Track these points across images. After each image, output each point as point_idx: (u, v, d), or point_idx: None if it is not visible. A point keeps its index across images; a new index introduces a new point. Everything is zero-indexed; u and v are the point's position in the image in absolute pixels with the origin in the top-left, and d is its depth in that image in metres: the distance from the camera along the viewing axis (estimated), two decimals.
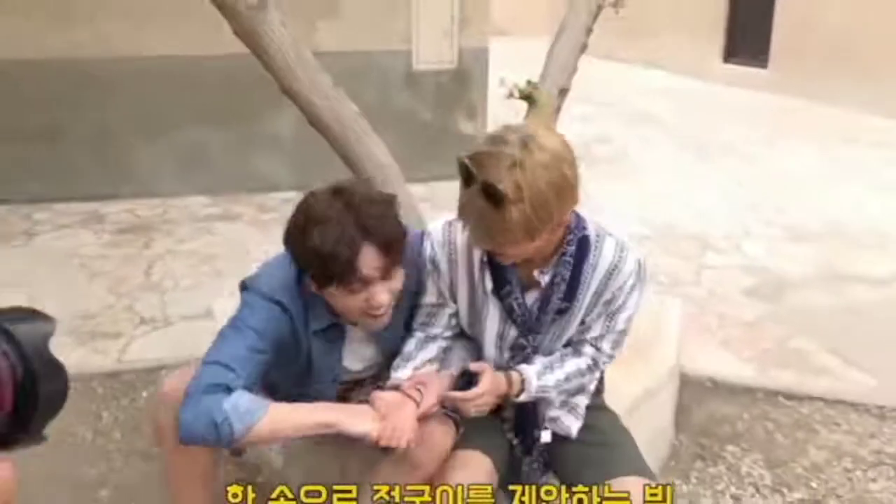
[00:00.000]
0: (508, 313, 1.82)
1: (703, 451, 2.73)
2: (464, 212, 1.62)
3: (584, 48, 2.89)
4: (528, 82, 2.75)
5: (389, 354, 1.94)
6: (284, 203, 5.61)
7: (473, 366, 1.78)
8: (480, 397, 1.74)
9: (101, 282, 4.30)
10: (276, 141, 5.87)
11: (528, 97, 2.73)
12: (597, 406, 2.02)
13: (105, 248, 4.88)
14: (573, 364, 1.86)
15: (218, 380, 1.64)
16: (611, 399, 2.14)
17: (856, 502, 2.45)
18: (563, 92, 2.83)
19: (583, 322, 1.86)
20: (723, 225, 5.36)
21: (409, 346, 1.92)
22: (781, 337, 3.64)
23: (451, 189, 1.72)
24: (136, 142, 5.81)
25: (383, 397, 1.75)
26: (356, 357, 1.95)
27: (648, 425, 2.53)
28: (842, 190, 6.27)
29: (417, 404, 1.76)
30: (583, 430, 1.95)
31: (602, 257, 1.79)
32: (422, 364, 1.88)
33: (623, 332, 1.88)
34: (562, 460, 1.94)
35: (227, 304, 3.07)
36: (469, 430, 1.89)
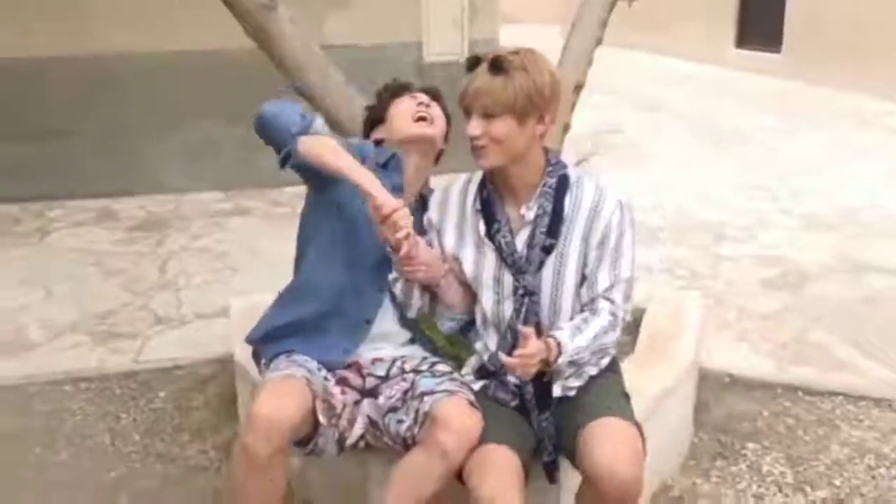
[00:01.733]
0: (500, 254, 1.92)
1: (723, 448, 2.71)
2: (468, 87, 1.83)
3: (598, 42, 2.85)
4: None
5: None
6: (295, 197, 5.55)
7: (522, 329, 1.79)
8: (531, 358, 1.76)
9: (117, 280, 4.31)
10: None
11: None
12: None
13: (119, 246, 4.88)
14: (597, 323, 1.90)
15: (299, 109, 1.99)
16: (631, 397, 2.11)
17: (880, 501, 2.43)
18: (578, 87, 2.79)
19: (585, 277, 1.93)
20: (738, 214, 5.32)
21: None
22: (800, 329, 3.61)
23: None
24: (147, 138, 5.80)
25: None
26: None
27: (668, 424, 2.52)
28: (856, 176, 6.21)
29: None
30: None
31: (583, 196, 1.93)
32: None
33: (629, 281, 1.94)
34: (558, 415, 1.96)
35: (243, 300, 3.09)
36: (494, 423, 1.88)
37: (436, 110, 2.15)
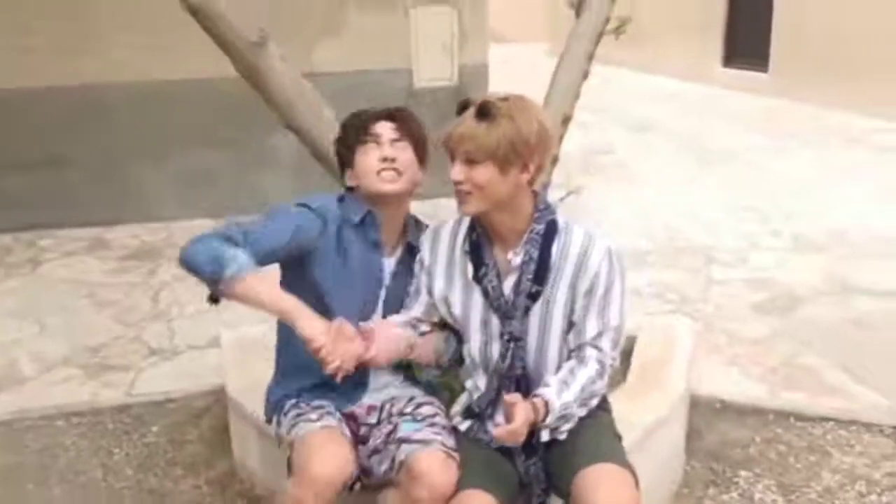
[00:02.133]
0: (487, 298, 1.94)
1: (715, 476, 2.72)
2: (452, 131, 1.83)
3: (586, 75, 2.89)
4: None
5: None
6: None
7: (507, 397, 1.80)
8: (520, 428, 1.76)
9: (109, 312, 4.31)
10: (278, 161, 5.87)
11: None
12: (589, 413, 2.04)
13: (111, 276, 4.89)
14: (584, 374, 1.90)
15: (231, 235, 1.87)
16: (622, 428, 2.13)
17: None
18: (566, 120, 2.82)
19: (572, 324, 1.93)
20: (728, 236, 5.35)
21: (395, 319, 2.06)
22: (791, 354, 3.63)
23: (454, 206, 1.90)
24: (139, 166, 5.83)
25: (342, 325, 1.85)
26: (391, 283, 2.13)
27: (660, 453, 2.53)
28: (845, 196, 6.26)
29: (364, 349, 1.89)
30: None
31: (571, 243, 1.92)
32: (401, 323, 2.03)
33: (618, 329, 1.94)
34: (548, 459, 1.97)
35: (236, 333, 3.10)
36: (474, 466, 1.91)
37: (403, 155, 2.06)
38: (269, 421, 2.21)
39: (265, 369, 2.29)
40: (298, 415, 2.02)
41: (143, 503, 2.67)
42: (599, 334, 1.91)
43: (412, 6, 6.10)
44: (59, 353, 3.80)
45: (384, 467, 1.98)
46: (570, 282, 1.90)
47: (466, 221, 2.00)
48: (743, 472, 2.73)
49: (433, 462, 1.87)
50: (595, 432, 1.95)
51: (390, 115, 2.10)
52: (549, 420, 1.83)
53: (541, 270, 1.90)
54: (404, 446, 1.93)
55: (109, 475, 2.83)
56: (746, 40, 11.97)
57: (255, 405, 2.57)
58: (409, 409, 2.05)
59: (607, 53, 13.47)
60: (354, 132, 2.10)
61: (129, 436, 3.09)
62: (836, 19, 10.03)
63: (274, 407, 2.16)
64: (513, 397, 1.79)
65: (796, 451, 2.85)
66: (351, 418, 2.10)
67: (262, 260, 1.89)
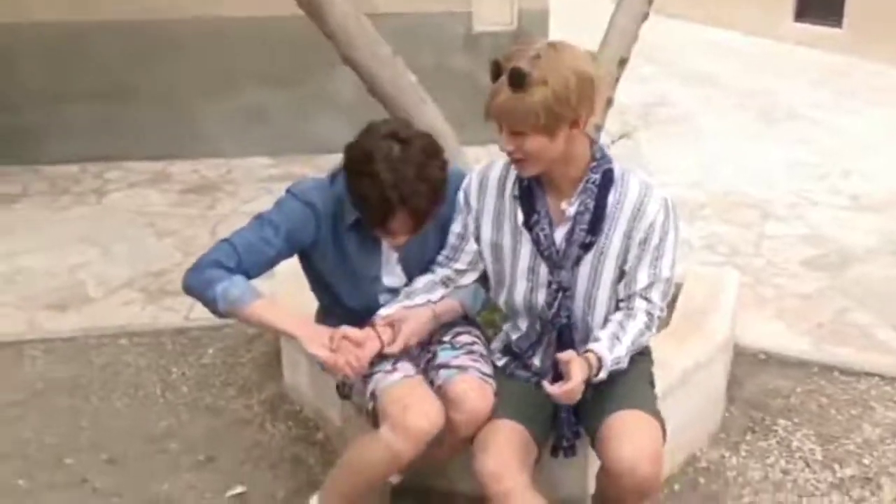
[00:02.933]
0: (537, 246, 1.91)
1: (753, 424, 2.74)
2: (491, 104, 1.76)
3: (645, 17, 2.85)
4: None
5: (413, 276, 2.10)
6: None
7: (562, 356, 1.80)
8: (577, 387, 1.76)
9: (170, 241, 4.47)
10: (335, 102, 5.93)
11: None
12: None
13: (172, 208, 5.05)
14: (634, 328, 1.90)
15: (222, 260, 1.91)
16: (662, 370, 2.17)
17: None
18: (623, 62, 2.80)
19: (623, 273, 1.90)
20: (785, 192, 5.25)
21: (418, 282, 2.06)
22: (840, 310, 3.59)
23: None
24: (201, 102, 5.95)
25: (347, 332, 1.89)
26: (390, 271, 2.10)
27: (699, 397, 2.56)
28: None
29: (383, 344, 1.93)
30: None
31: (628, 193, 1.88)
32: (420, 304, 2.01)
33: (669, 281, 1.93)
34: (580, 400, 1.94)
35: (289, 263, 3.19)
36: (508, 398, 1.96)
37: (405, 239, 1.98)
38: None
39: (315, 303, 2.37)
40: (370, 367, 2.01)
41: (198, 418, 2.82)
42: (650, 285, 1.90)
43: None
44: (123, 276, 3.97)
45: None
46: (624, 230, 1.87)
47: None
48: (782, 421, 2.75)
49: (469, 387, 1.95)
50: (630, 377, 1.95)
51: (417, 214, 1.88)
52: (601, 375, 1.84)
53: (596, 220, 1.87)
54: (442, 372, 2.01)
55: (167, 391, 2.99)
56: None
57: None
58: (447, 338, 2.11)
59: (675, 6, 13.14)
60: (374, 219, 1.91)
61: (185, 357, 3.23)
62: None
63: None
64: (567, 355, 1.79)
65: (838, 404, 2.85)
66: None
67: (260, 273, 1.97)
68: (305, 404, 2.82)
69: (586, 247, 1.88)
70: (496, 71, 1.77)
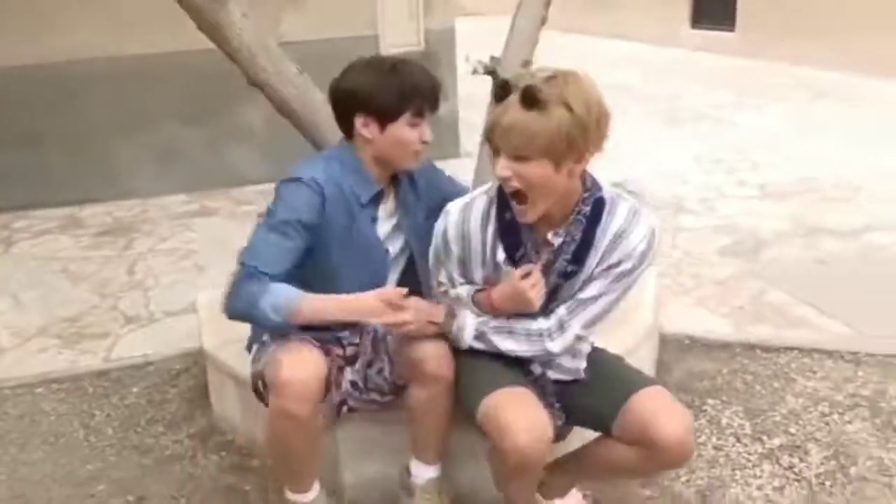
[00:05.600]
0: None
1: (684, 405, 2.79)
2: (496, 122, 1.63)
3: (544, 20, 2.92)
4: (491, 58, 2.79)
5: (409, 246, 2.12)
6: (260, 195, 5.61)
7: (522, 269, 1.78)
8: (537, 283, 1.76)
9: (84, 285, 4.31)
10: (248, 134, 5.89)
11: (492, 72, 2.76)
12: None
13: (86, 251, 4.88)
14: (534, 324, 1.88)
15: (254, 276, 1.86)
16: None
17: (833, 445, 2.53)
18: (527, 63, 2.86)
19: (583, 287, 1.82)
20: (697, 187, 5.43)
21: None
22: (756, 292, 3.72)
23: None
24: (111, 144, 5.81)
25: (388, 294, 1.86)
26: (390, 242, 2.10)
27: None
28: (811, 147, 6.35)
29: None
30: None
31: (614, 220, 1.77)
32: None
33: (604, 314, 1.84)
34: (573, 404, 1.93)
35: (210, 295, 3.12)
36: (498, 370, 1.89)
37: (431, 134, 2.01)
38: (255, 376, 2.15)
39: (240, 327, 2.32)
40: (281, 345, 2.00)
41: (126, 458, 2.71)
42: (579, 305, 1.82)
43: None
44: (36, 324, 3.81)
45: (386, 370, 2.08)
46: (602, 254, 1.78)
47: (495, 199, 1.83)
48: (710, 401, 2.81)
49: (427, 348, 1.95)
50: (614, 364, 1.96)
51: (434, 96, 1.98)
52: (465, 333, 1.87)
53: (581, 251, 1.78)
54: (389, 337, 2.06)
55: (91, 435, 2.86)
56: (713, 1, 12.02)
57: (233, 357, 2.63)
58: None
59: (576, 21, 13.52)
60: (420, 100, 1.94)
61: (108, 398, 3.11)
62: None
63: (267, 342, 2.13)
64: (527, 267, 1.79)
65: (762, 380, 2.94)
66: (337, 343, 2.12)
67: (290, 273, 1.90)
68: (237, 433, 2.74)
69: (566, 276, 1.80)
70: (503, 90, 1.65)
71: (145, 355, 3.38)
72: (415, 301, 1.90)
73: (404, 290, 1.88)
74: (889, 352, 3.04)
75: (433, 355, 1.94)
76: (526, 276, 1.78)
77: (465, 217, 1.86)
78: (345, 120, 2.00)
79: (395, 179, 2.10)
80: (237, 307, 1.88)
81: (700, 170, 5.87)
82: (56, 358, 3.48)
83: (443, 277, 1.99)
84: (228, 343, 2.71)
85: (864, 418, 2.66)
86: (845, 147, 6.26)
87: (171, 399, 3.06)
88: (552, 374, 1.95)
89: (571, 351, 1.91)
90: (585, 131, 1.60)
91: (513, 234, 1.80)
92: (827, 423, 2.65)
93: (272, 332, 1.94)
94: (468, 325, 1.88)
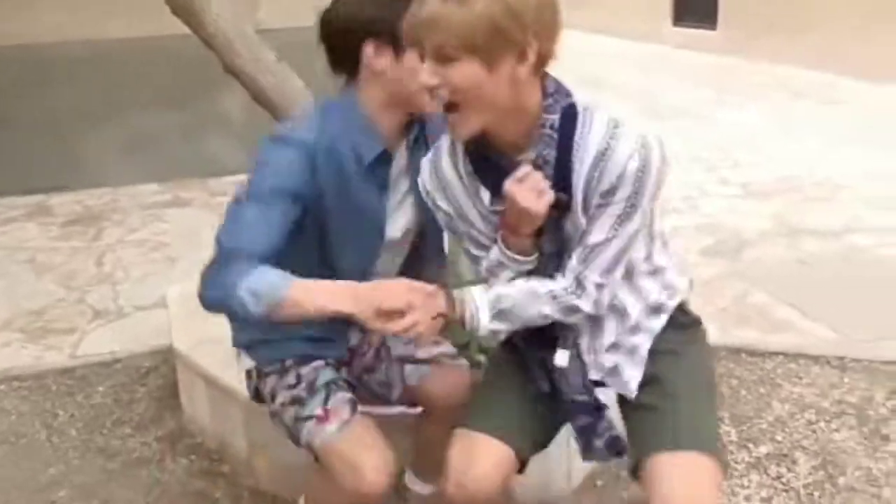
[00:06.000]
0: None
1: None
2: (413, 19, 1.36)
3: None
4: None
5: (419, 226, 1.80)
6: (235, 185, 5.50)
7: (511, 178, 1.44)
8: (527, 178, 1.42)
9: (51, 276, 4.17)
10: (224, 122, 5.73)
11: None
12: (665, 347, 1.63)
13: (54, 241, 4.73)
14: (540, 286, 1.52)
15: (231, 257, 1.51)
16: None
17: (821, 453, 2.48)
18: None
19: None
20: (679, 185, 5.37)
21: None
22: (740, 293, 3.67)
23: None
24: (82, 131, 5.63)
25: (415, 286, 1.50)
26: (393, 223, 1.76)
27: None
28: (793, 146, 6.33)
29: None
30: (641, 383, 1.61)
31: (592, 132, 1.41)
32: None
33: (623, 251, 1.48)
34: (627, 427, 1.63)
35: (181, 289, 3.02)
36: (490, 408, 1.63)
37: None
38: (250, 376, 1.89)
39: (213, 324, 2.21)
40: (296, 400, 1.74)
41: (90, 462, 2.59)
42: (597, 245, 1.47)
43: None
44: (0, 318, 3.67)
45: (395, 392, 1.90)
46: (585, 178, 1.43)
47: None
48: None
49: (450, 382, 1.83)
50: (691, 386, 1.59)
51: None
52: (475, 320, 1.51)
53: (560, 172, 1.43)
54: (409, 369, 1.87)
55: (54, 436, 2.75)
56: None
57: (204, 357, 2.53)
58: None
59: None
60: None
61: (73, 397, 2.99)
62: None
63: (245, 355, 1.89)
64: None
65: (747, 385, 2.88)
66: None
67: (279, 252, 1.55)
68: (207, 436, 2.64)
69: (559, 207, 1.45)
70: None
71: (113, 352, 3.26)
72: (420, 293, 1.48)
73: (433, 288, 1.51)
74: (875, 357, 3.00)
75: (451, 390, 1.81)
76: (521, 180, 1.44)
77: (435, 166, 1.57)
78: (346, 56, 1.62)
79: (406, 133, 1.73)
80: (212, 296, 1.52)
81: (682, 167, 5.81)
82: (19, 353, 3.35)
83: (473, 248, 1.61)
84: (200, 342, 2.61)
85: (852, 426, 2.61)
86: (826, 147, 6.24)
87: (139, 399, 2.95)
88: (575, 395, 1.57)
89: (602, 308, 1.53)
90: (519, 18, 1.30)
91: (489, 170, 1.48)
92: (814, 431, 2.59)
93: (251, 320, 1.52)
94: (482, 306, 1.51)
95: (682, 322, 1.70)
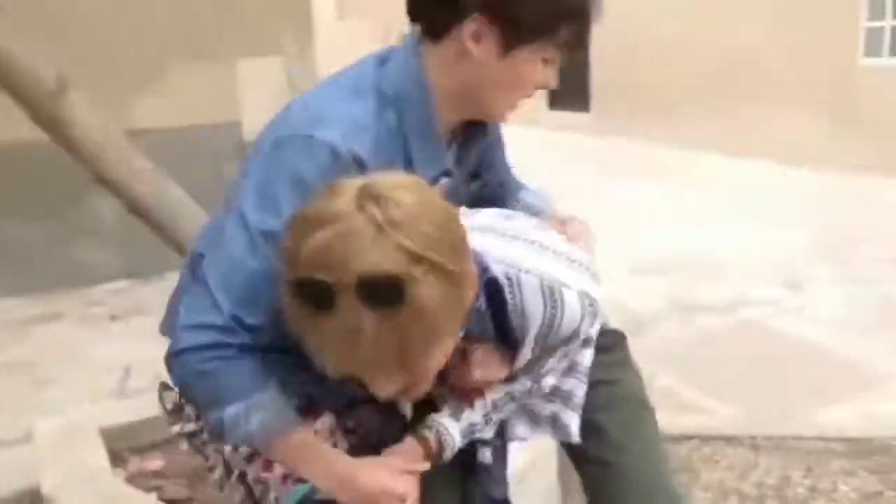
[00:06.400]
0: None
1: None
2: (324, 350, 1.03)
3: None
4: None
5: None
6: (113, 294, 5.15)
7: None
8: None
9: None
10: (97, 228, 5.41)
11: None
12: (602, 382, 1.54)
13: None
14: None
15: (220, 336, 1.11)
16: None
17: None
18: None
19: None
20: None
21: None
22: (647, 376, 3.63)
23: None
24: None
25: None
26: None
27: (536, 492, 2.42)
28: (672, 222, 6.56)
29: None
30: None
31: (526, 302, 1.23)
32: None
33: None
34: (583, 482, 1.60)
35: (53, 423, 2.70)
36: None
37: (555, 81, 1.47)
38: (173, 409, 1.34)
39: (93, 461, 1.96)
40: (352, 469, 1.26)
41: None
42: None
43: (238, 57, 5.89)
44: None
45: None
46: (540, 346, 1.33)
47: None
48: None
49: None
50: (634, 420, 1.57)
51: None
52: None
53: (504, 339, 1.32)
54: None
55: None
56: (569, 85, 12.59)
57: (79, 501, 2.25)
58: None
59: None
60: (578, 22, 1.27)
61: None
62: (644, 65, 10.75)
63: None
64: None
65: None
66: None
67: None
68: None
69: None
70: (316, 295, 0.99)
71: None
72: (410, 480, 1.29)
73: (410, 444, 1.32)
74: (785, 433, 3.02)
75: None
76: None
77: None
78: (444, 12, 1.22)
79: (456, 134, 1.37)
80: (198, 385, 1.15)
81: None
82: None
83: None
84: (74, 483, 2.32)
85: None
86: (702, 222, 6.50)
87: None
88: (485, 455, 1.47)
89: (561, 395, 1.48)
90: (458, 260, 1.09)
91: None
92: None
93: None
94: (455, 434, 1.36)
95: (605, 345, 1.58)
